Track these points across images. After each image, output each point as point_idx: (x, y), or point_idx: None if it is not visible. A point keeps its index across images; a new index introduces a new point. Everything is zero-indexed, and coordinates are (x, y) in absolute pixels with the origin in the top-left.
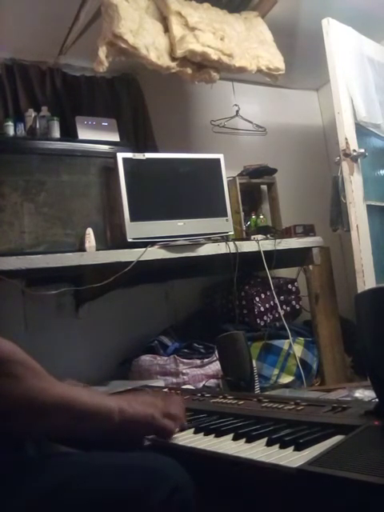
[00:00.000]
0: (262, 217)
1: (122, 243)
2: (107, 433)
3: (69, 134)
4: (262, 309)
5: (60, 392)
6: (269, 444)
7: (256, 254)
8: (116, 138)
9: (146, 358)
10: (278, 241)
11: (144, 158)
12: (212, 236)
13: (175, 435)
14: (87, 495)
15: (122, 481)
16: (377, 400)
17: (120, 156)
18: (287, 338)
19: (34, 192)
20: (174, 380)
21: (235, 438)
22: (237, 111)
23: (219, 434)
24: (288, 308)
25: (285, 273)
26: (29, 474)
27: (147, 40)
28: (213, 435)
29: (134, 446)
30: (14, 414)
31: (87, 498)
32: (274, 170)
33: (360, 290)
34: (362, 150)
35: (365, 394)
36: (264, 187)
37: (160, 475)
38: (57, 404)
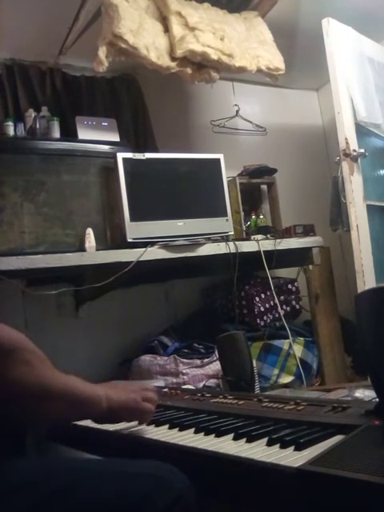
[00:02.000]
0: (262, 217)
1: (122, 243)
2: (95, 418)
3: (69, 133)
4: (262, 309)
5: (63, 379)
6: (269, 444)
7: (256, 254)
8: (116, 138)
9: (146, 358)
10: (278, 241)
11: (144, 158)
12: (212, 236)
13: (176, 435)
14: (87, 501)
15: (124, 488)
16: (377, 400)
17: (120, 156)
18: (287, 337)
19: (33, 192)
20: (174, 380)
21: (235, 438)
22: (237, 111)
23: (219, 433)
24: (288, 308)
25: (285, 273)
26: (29, 478)
27: (147, 40)
28: (213, 435)
29: None
30: (26, 399)
31: (87, 504)
32: (274, 170)
33: (360, 290)
34: (362, 150)
35: (365, 393)
36: (264, 187)
37: (162, 483)
38: (61, 390)
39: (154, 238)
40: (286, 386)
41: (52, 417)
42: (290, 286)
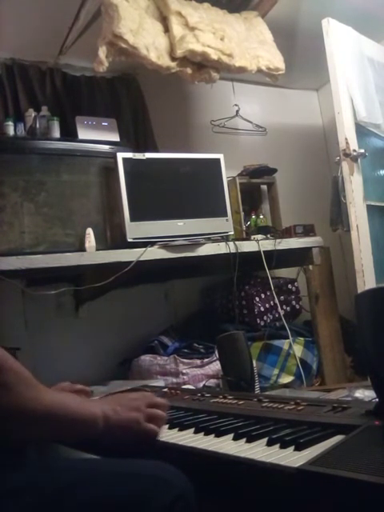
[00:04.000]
0: (262, 217)
1: (122, 243)
2: (92, 439)
3: (69, 133)
4: (262, 309)
5: (49, 400)
6: (269, 444)
7: (256, 254)
8: (116, 138)
9: (146, 358)
10: (278, 241)
11: (144, 157)
12: (212, 236)
13: (175, 435)
14: (87, 501)
15: (124, 488)
16: (377, 400)
17: (120, 156)
18: (287, 337)
19: (33, 192)
20: (174, 380)
21: (235, 438)
22: (237, 111)
23: (219, 433)
24: (288, 308)
25: (285, 273)
26: (30, 479)
27: (147, 40)
28: (213, 435)
29: (126, 451)
30: (4, 423)
31: (87, 504)
32: (274, 170)
33: (360, 290)
34: (362, 150)
35: (365, 394)
36: (264, 187)
37: (162, 483)
38: (46, 413)
39: (153, 237)
40: (286, 386)
41: (36, 439)
42: (290, 286)
